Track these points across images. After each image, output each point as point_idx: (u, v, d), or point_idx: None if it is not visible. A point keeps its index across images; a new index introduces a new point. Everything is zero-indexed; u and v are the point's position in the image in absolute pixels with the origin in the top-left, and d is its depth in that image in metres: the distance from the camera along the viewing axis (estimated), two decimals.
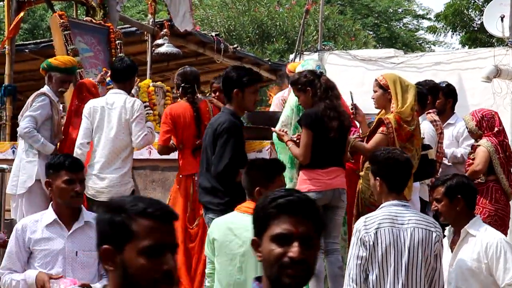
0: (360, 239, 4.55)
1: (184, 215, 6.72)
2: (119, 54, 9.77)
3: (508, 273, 4.75)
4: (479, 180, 7.08)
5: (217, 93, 7.61)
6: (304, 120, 6.23)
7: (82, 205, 4.89)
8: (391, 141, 6.28)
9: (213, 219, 5.47)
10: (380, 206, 4.72)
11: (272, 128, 6.60)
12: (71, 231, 4.70)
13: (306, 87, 6.31)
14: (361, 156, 6.53)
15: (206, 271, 4.95)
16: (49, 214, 4.77)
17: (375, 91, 6.59)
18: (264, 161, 5.15)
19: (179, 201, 6.81)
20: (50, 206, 4.83)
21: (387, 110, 6.48)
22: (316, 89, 6.27)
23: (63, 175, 4.70)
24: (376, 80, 6.61)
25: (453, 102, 8.07)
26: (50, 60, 7.67)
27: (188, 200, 6.80)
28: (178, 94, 7.09)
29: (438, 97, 7.87)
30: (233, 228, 4.70)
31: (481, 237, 4.91)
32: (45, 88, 7.48)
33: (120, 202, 2.37)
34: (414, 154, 6.34)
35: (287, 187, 5.68)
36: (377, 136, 6.36)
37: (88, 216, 4.74)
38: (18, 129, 7.40)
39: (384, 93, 6.49)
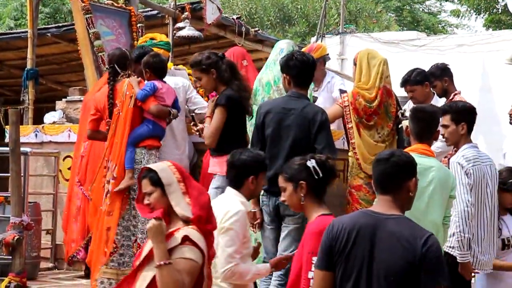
0: (465, 171, 5.38)
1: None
2: (140, 37, 9.76)
3: None
4: None
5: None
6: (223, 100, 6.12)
7: None
8: (346, 115, 6.33)
9: None
10: (463, 148, 5.49)
11: None
12: None
13: (210, 68, 6.22)
14: None
15: None
16: None
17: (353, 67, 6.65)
18: (430, 107, 5.60)
19: None
20: None
21: None
22: (222, 71, 6.19)
23: None
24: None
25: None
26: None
27: None
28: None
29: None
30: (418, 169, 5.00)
31: None
32: None
33: None
34: (373, 133, 6.31)
35: None
36: (333, 107, 6.45)
37: None
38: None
39: (356, 68, 6.56)
